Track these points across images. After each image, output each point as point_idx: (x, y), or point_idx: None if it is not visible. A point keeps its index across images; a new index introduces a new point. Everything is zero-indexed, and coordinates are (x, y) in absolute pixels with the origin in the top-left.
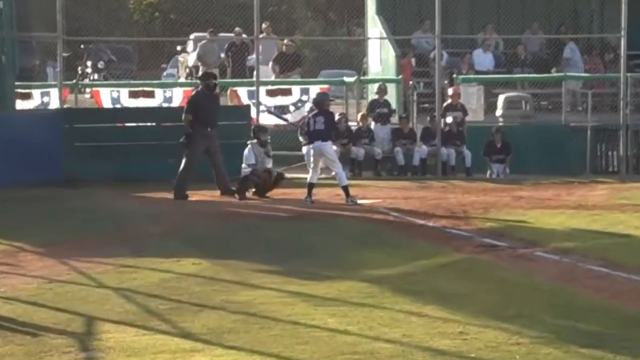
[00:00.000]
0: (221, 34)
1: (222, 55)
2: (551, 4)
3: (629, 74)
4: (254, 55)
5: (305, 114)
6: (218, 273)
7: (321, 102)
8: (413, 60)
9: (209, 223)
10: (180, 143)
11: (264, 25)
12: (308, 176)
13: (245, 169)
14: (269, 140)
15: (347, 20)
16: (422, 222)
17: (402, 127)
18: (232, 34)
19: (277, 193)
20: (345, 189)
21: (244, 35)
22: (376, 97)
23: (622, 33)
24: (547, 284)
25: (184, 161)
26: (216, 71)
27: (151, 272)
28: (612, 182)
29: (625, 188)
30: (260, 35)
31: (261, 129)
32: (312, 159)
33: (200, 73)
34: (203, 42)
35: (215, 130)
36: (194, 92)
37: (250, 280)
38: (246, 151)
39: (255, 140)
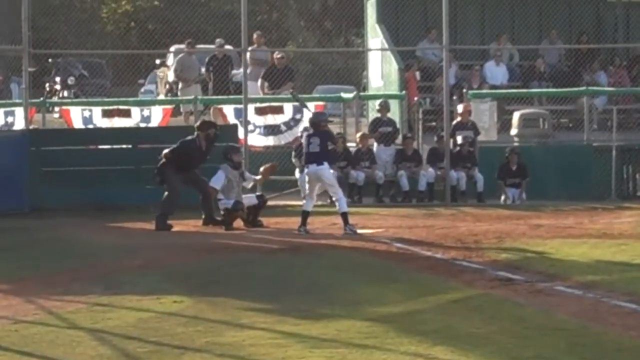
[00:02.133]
0: (202, 46)
1: (203, 69)
2: (571, 11)
3: None
4: (240, 70)
5: (299, 134)
6: (202, 312)
7: (316, 123)
8: (417, 74)
9: (192, 256)
10: (154, 181)
11: (255, 36)
12: (303, 203)
13: (222, 200)
14: (242, 161)
15: (345, 30)
16: (429, 253)
17: (406, 148)
18: (213, 46)
19: (268, 222)
20: (345, 216)
21: (229, 47)
22: (378, 115)
23: None
24: (568, 322)
25: (166, 192)
26: (197, 87)
27: (128, 311)
28: None
29: None
30: (250, 47)
31: (233, 149)
32: (307, 184)
33: (198, 122)
34: (180, 55)
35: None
36: (189, 139)
37: (238, 319)
38: (219, 173)
39: (225, 164)
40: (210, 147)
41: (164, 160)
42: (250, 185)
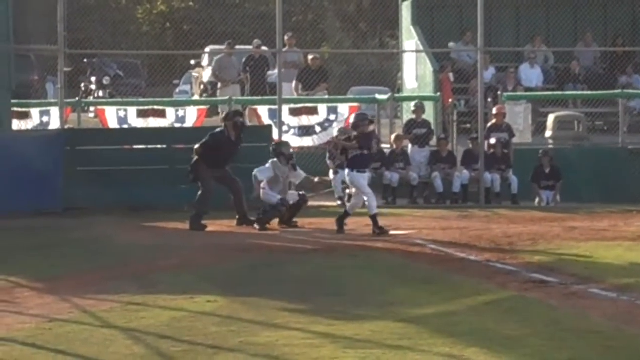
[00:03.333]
0: (238, 47)
1: (240, 70)
2: (606, 13)
3: None
4: (275, 71)
5: (335, 134)
6: (236, 312)
7: (356, 125)
8: (451, 75)
9: (226, 257)
10: (188, 179)
11: (286, 37)
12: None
13: (266, 190)
14: (292, 153)
15: (380, 31)
16: (463, 255)
17: (441, 149)
18: (250, 47)
19: (302, 223)
20: (374, 218)
21: (264, 48)
22: (413, 116)
23: None
24: (603, 325)
25: (200, 191)
26: (236, 88)
27: (162, 311)
28: None
29: None
30: (284, 49)
31: (281, 144)
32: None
33: (224, 113)
34: (220, 56)
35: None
36: (217, 131)
37: (272, 319)
38: (267, 165)
39: (276, 159)
40: (240, 137)
41: (196, 157)
42: (298, 181)
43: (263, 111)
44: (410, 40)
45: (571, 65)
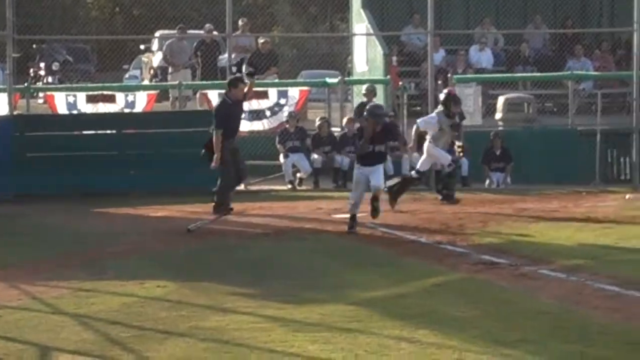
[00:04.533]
0: (189, 31)
1: (191, 54)
2: None
3: None
4: (226, 55)
5: (284, 119)
6: (186, 297)
7: (380, 116)
8: (394, 59)
9: (176, 241)
10: (203, 158)
11: (240, 22)
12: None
13: (442, 154)
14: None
15: (330, 15)
16: (413, 237)
17: None
18: (201, 32)
19: (252, 207)
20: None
21: (215, 33)
22: (364, 99)
23: (635, 27)
24: (553, 305)
25: (220, 177)
26: (187, 73)
27: (112, 297)
28: (624, 192)
29: (638, 198)
30: (237, 33)
31: (454, 99)
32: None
33: (228, 79)
34: (171, 40)
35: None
36: (220, 102)
37: (222, 304)
38: (432, 114)
39: (441, 110)
40: (241, 102)
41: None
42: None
43: (213, 95)
44: (360, 24)
45: (521, 47)
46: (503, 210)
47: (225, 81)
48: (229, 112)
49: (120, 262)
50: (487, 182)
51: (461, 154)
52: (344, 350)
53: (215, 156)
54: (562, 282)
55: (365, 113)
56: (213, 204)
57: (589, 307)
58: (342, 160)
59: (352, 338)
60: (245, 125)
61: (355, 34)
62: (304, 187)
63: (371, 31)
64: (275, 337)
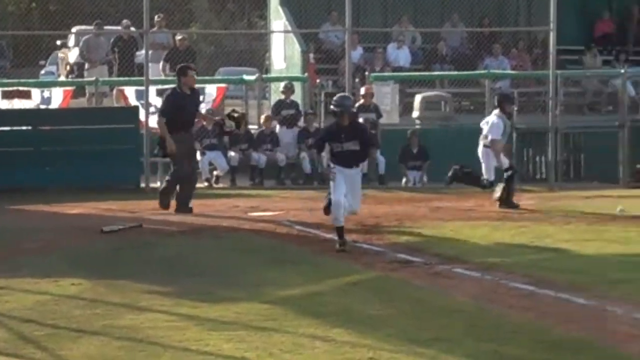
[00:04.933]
0: (107, 27)
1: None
2: None
3: (558, 72)
4: (143, 52)
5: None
6: (101, 295)
7: (348, 107)
8: (312, 56)
9: (91, 239)
10: (158, 154)
11: (157, 18)
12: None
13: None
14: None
15: (248, 11)
16: (329, 236)
17: (309, 125)
18: (118, 28)
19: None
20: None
21: (133, 29)
22: (282, 97)
23: (552, 26)
24: (467, 304)
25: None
26: (103, 69)
27: (25, 294)
28: (539, 191)
29: (554, 197)
30: (153, 29)
31: (507, 98)
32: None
33: (177, 67)
34: (87, 36)
35: (191, 133)
36: (170, 91)
37: (137, 302)
38: (496, 121)
39: (500, 112)
40: (195, 91)
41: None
42: None
43: (130, 92)
44: (278, 21)
45: (438, 45)
46: (419, 209)
47: (142, 77)
48: (178, 102)
49: (35, 259)
50: (404, 180)
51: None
52: (258, 349)
53: (167, 143)
54: (476, 281)
55: (333, 104)
56: (175, 203)
57: (503, 305)
58: (259, 158)
59: (267, 337)
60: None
61: (273, 31)
62: (220, 185)
63: (289, 28)
64: (190, 335)
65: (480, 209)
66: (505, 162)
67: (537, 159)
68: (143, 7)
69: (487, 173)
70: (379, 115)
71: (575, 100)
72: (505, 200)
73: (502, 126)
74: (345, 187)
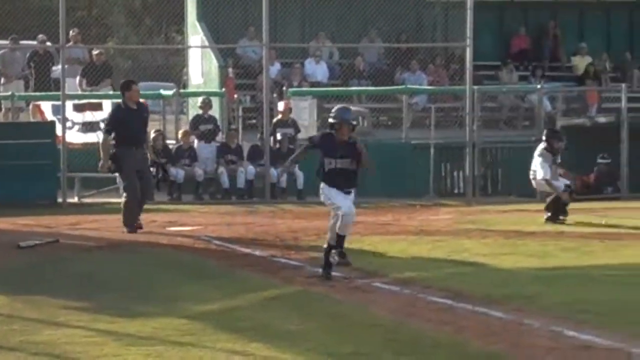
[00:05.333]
0: (22, 42)
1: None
2: (391, 10)
3: (475, 87)
4: (59, 66)
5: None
6: (18, 310)
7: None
8: (230, 71)
9: (8, 254)
10: (110, 170)
11: (72, 33)
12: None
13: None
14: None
15: (165, 26)
16: (248, 250)
17: (229, 141)
18: (34, 42)
19: (86, 220)
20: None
21: (49, 44)
22: (199, 112)
23: (468, 42)
24: (386, 318)
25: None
26: (19, 83)
27: None
28: (457, 205)
29: (471, 211)
30: (68, 44)
31: (555, 134)
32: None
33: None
34: (3, 51)
35: (143, 150)
36: (115, 106)
37: (54, 317)
38: (540, 160)
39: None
40: (142, 106)
41: (113, 142)
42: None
43: (46, 107)
44: (195, 36)
45: (356, 61)
46: None
47: (59, 92)
48: (122, 117)
49: None
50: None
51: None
52: None
53: (101, 162)
54: (395, 295)
55: (331, 116)
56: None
57: (421, 319)
58: (177, 173)
59: (185, 352)
60: (79, 137)
61: (190, 46)
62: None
63: (206, 43)
64: (108, 350)
65: (398, 224)
66: (560, 185)
67: (455, 173)
68: (59, 21)
69: (557, 189)
70: (297, 130)
71: (492, 116)
72: (553, 215)
73: (549, 164)
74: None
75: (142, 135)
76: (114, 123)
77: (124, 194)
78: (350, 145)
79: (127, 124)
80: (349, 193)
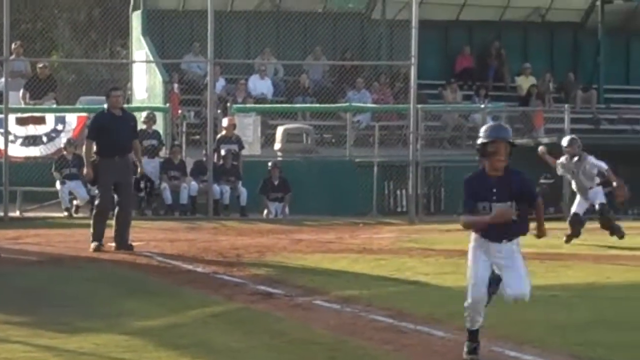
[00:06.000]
0: None
1: None
2: (336, 28)
3: (419, 106)
4: (2, 79)
5: (62, 145)
6: None
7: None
8: (175, 86)
9: None
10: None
11: (14, 45)
12: None
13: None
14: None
15: (110, 40)
16: (190, 267)
17: (173, 157)
18: None
19: (28, 234)
20: None
21: None
22: (143, 127)
23: (413, 61)
24: (327, 335)
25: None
26: None
27: None
28: (400, 224)
29: (414, 230)
30: (10, 57)
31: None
32: None
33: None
34: None
35: (127, 160)
36: (97, 111)
37: None
38: (592, 159)
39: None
40: (128, 114)
41: (94, 153)
42: None
43: None
44: (140, 50)
45: (300, 78)
46: (280, 241)
47: (1, 105)
48: (103, 123)
49: None
50: (265, 212)
51: None
52: None
53: (85, 166)
54: (336, 313)
55: (483, 136)
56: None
57: (362, 338)
58: None
59: None
60: (21, 151)
61: (135, 61)
62: (80, 215)
63: (151, 58)
64: None
65: (340, 242)
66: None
67: (398, 192)
68: (3, 34)
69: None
70: (241, 147)
71: (435, 134)
72: (611, 228)
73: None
74: (489, 270)
75: (127, 144)
76: (95, 129)
77: (95, 207)
78: (511, 180)
79: (108, 131)
80: (504, 241)
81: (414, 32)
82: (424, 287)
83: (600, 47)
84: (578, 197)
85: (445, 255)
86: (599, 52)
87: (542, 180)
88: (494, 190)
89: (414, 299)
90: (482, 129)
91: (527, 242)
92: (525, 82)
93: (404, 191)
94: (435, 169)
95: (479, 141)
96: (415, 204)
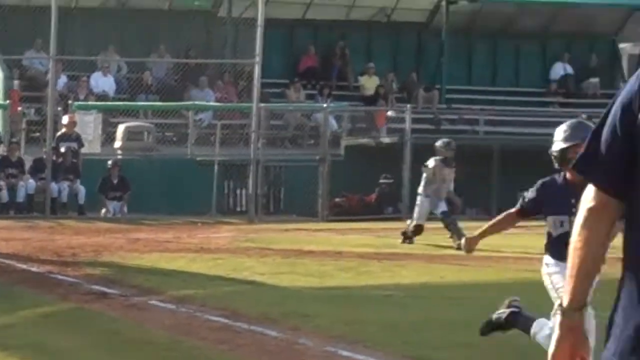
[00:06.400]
0: None
1: None
2: (179, 25)
3: (262, 104)
4: None
5: None
6: None
7: None
8: (16, 83)
9: None
10: None
11: None
12: None
13: None
14: None
15: None
16: (24, 266)
17: (10, 154)
18: None
19: None
20: None
21: None
22: None
23: (257, 59)
24: (161, 335)
25: None
26: None
27: None
28: (239, 223)
29: (253, 230)
30: None
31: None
32: None
33: None
34: None
35: None
36: None
37: None
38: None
39: None
40: None
41: None
42: None
43: None
44: None
45: (143, 75)
46: (117, 240)
47: None
48: None
49: None
50: (104, 210)
51: None
52: None
53: None
54: (171, 313)
55: (562, 137)
56: None
57: (197, 338)
58: None
59: None
60: None
61: None
62: None
63: None
64: None
65: (178, 241)
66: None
67: (238, 191)
68: None
69: None
70: (81, 145)
71: (277, 134)
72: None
73: None
74: None
75: None
76: None
77: None
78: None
79: None
80: None
81: (259, 31)
82: (259, 287)
83: (443, 47)
84: (427, 201)
85: (282, 255)
86: (442, 52)
87: (381, 180)
88: (574, 201)
89: (249, 298)
90: (560, 130)
91: (363, 241)
92: (368, 82)
93: (244, 190)
94: (275, 169)
95: (558, 147)
96: (254, 203)
